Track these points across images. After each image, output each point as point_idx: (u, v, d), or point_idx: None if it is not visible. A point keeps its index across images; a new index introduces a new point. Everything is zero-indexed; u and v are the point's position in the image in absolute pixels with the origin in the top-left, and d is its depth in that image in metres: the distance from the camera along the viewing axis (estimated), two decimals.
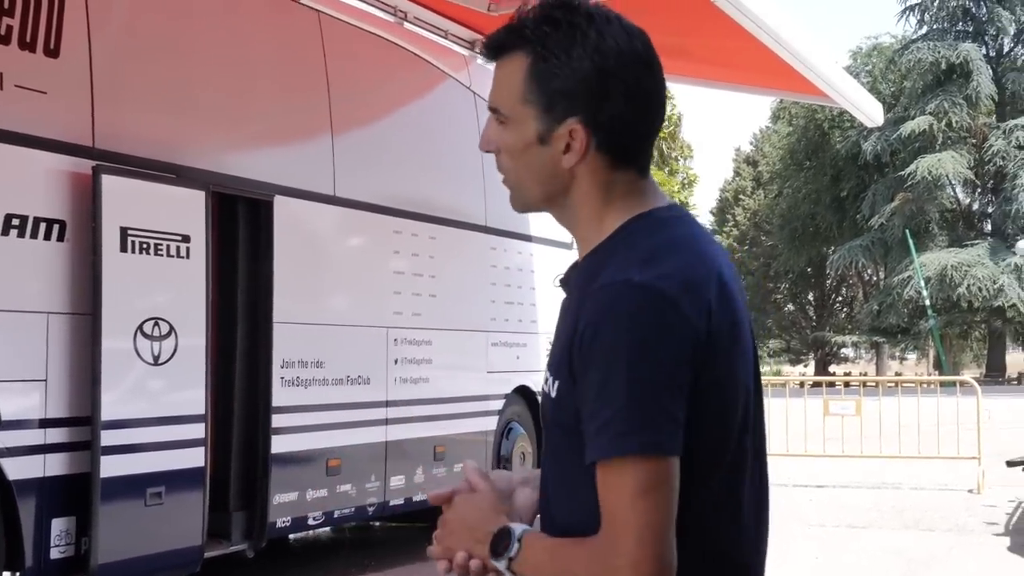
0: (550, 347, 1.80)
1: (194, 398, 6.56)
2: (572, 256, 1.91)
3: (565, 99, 1.59)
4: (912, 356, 46.42)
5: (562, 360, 1.62)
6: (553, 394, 1.66)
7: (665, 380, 1.45)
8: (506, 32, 1.67)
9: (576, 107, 1.59)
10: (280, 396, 7.18)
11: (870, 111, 10.43)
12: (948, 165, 36.38)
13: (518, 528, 1.69)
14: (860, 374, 41.68)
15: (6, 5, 5.50)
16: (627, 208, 1.64)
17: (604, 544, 1.59)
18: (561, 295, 1.85)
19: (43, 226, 5.70)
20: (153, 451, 6.25)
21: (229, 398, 7.18)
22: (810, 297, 49.16)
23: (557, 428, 1.69)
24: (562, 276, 1.84)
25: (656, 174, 23.09)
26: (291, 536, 8.38)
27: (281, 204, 7.20)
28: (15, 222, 5.64)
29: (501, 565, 1.68)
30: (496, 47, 1.70)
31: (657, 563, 1.51)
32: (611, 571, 1.57)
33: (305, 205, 7.60)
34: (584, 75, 1.59)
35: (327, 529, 8.75)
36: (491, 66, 1.72)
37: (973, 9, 39.18)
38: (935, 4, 39.58)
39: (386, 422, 8.39)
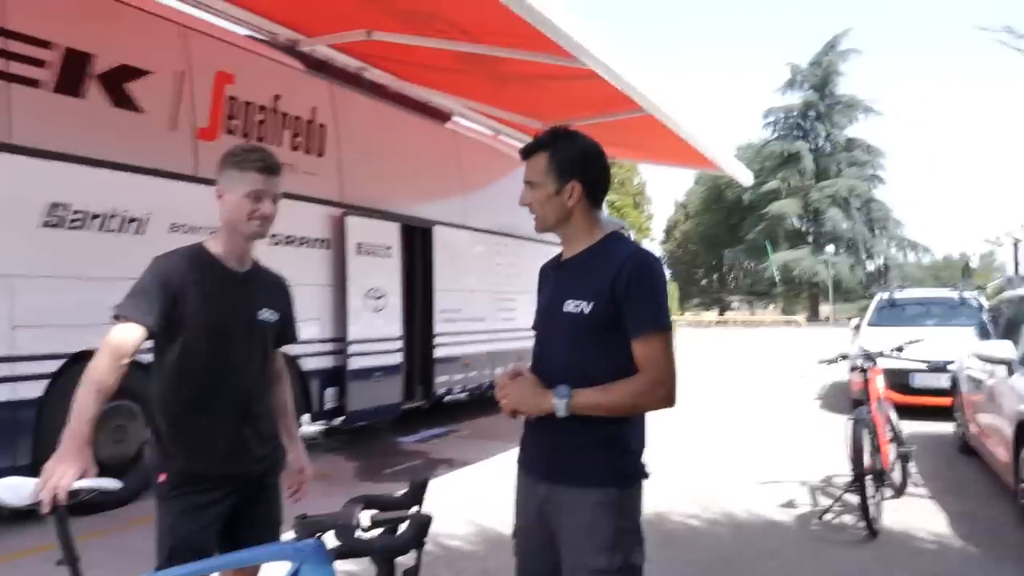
0: (556, 295, 2.15)
1: (395, 329, 8.59)
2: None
3: (568, 171, 2.10)
4: (768, 308, 65.43)
5: (599, 289, 2.03)
6: (587, 311, 2.05)
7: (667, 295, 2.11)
8: (534, 144, 2.17)
9: (575, 174, 2.11)
10: (438, 327, 9.33)
11: (743, 177, 12.73)
12: (788, 207, 55.33)
13: (563, 392, 2.02)
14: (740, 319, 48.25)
15: (298, 133, 7.46)
16: (602, 229, 2.20)
17: (648, 379, 2.04)
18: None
19: (320, 242, 7.65)
20: (374, 355, 8.20)
21: (412, 328, 9.15)
22: (714, 277, 71.38)
23: (586, 330, 2.06)
24: (553, 263, 2.28)
25: (631, 213, 25.32)
26: (445, 398, 9.92)
27: (437, 230, 9.29)
28: (311, 241, 7.55)
29: (561, 404, 2.01)
30: (528, 151, 2.18)
31: (674, 390, 2.04)
32: (655, 394, 2.03)
33: (450, 230, 9.48)
34: (578, 159, 2.13)
35: (463, 394, 10.24)
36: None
37: (803, 123, 58.19)
38: (782, 120, 58.75)
39: (490, 341, 10.29)
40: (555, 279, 2.23)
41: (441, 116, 9.99)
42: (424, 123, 9.55)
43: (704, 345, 18.71)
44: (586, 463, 2.07)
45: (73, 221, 5.41)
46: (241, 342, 2.45)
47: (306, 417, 7.75)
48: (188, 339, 2.37)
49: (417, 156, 9.22)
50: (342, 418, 8.02)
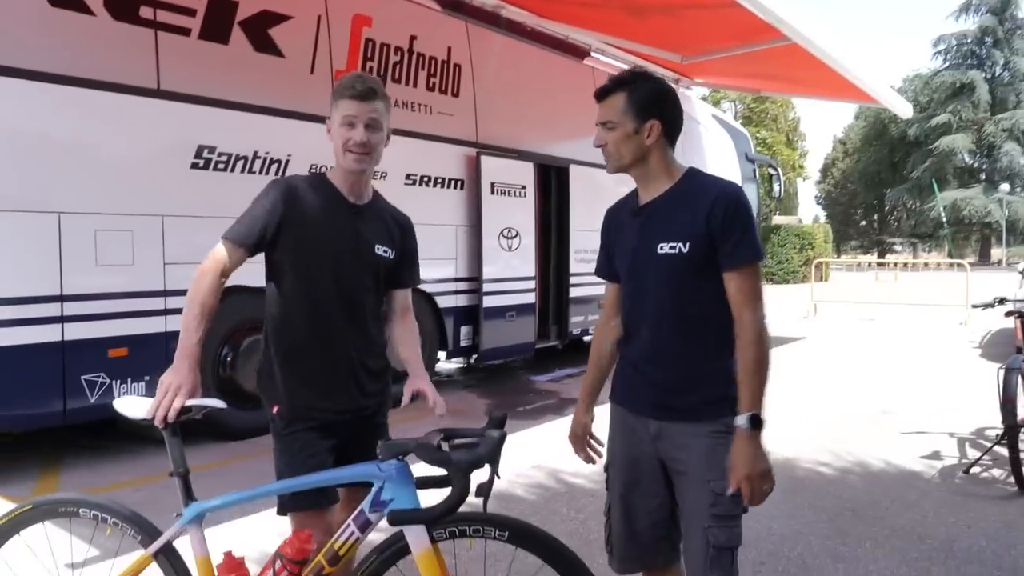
0: (652, 234, 2.12)
1: (529, 268, 8.64)
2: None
3: (647, 110, 2.11)
4: (933, 251, 62.61)
5: (693, 229, 2.04)
6: (686, 250, 2.05)
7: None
8: (610, 85, 2.17)
9: (654, 114, 2.12)
10: (574, 267, 9.25)
11: (903, 108, 11.80)
12: (959, 141, 50.53)
13: (744, 420, 1.99)
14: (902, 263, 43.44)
15: (434, 73, 7.51)
16: (679, 167, 2.19)
17: (748, 316, 2.05)
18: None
19: (456, 183, 7.72)
20: (508, 294, 8.31)
21: (547, 268, 9.24)
22: (874, 218, 67.25)
23: (684, 270, 2.07)
24: (628, 208, 2.27)
25: (783, 151, 23.74)
26: (584, 338, 9.64)
27: (574, 169, 9.13)
28: (447, 181, 7.62)
29: (749, 425, 1.99)
30: (603, 92, 2.18)
31: (766, 320, 2.08)
32: (760, 326, 2.05)
33: (587, 169, 9.14)
34: (657, 98, 2.14)
35: None
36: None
37: (978, 51, 53.08)
38: (954, 48, 53.67)
39: None
40: (638, 224, 2.20)
41: (579, 52, 9.77)
42: (561, 60, 9.38)
43: (859, 289, 17.80)
44: (696, 398, 2.10)
45: (218, 163, 5.71)
46: (353, 274, 2.40)
47: (442, 354, 7.96)
48: (298, 267, 2.36)
49: (554, 94, 9.08)
50: (476, 356, 8.18)
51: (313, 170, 6.12)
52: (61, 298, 4.93)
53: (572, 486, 4.82)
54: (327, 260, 2.36)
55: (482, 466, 1.84)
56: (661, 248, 2.10)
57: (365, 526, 1.98)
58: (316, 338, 2.37)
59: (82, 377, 5.02)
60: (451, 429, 1.96)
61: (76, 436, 5.75)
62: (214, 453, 5.54)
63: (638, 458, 2.21)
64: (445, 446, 1.91)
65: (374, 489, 1.97)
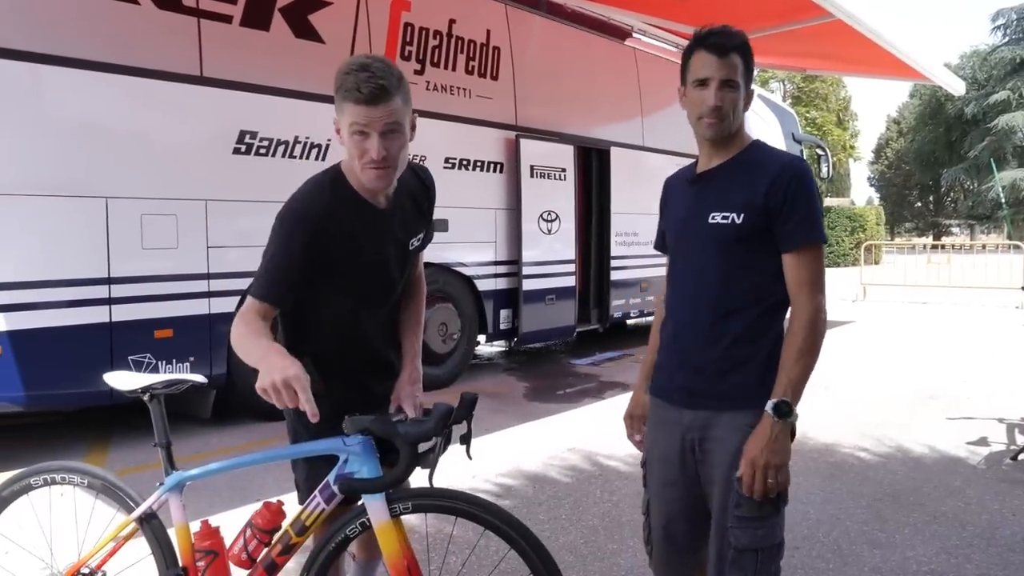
0: (700, 203, 2.02)
1: (569, 252, 8.61)
2: None
3: (751, 77, 2.03)
4: (991, 233, 57.49)
5: (750, 200, 1.94)
6: (739, 221, 1.95)
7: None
8: (737, 40, 1.98)
9: (751, 80, 2.05)
10: (615, 250, 9.24)
11: (956, 85, 11.54)
12: (1019, 119, 46.68)
13: (769, 405, 1.90)
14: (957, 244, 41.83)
15: (473, 56, 7.49)
16: (746, 135, 2.09)
17: (804, 300, 1.97)
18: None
19: (495, 166, 7.73)
20: (548, 277, 8.29)
21: (588, 251, 9.22)
22: (930, 199, 64.55)
23: (736, 241, 1.97)
24: (683, 177, 2.17)
25: (834, 131, 23.35)
26: (628, 321, 10.04)
27: (615, 151, 9.08)
28: (486, 165, 7.64)
29: (779, 417, 1.89)
30: (729, 47, 1.96)
31: (825, 309, 2.01)
32: (817, 313, 1.97)
33: (628, 151, 9.19)
34: (752, 66, 2.03)
35: (641, 318, 10.05)
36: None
37: None
38: (1014, 22, 48.80)
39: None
40: (693, 192, 2.09)
41: (620, 34, 9.68)
42: (602, 42, 9.31)
43: (911, 271, 17.40)
44: (732, 382, 1.99)
45: (260, 148, 5.80)
46: (386, 277, 2.20)
47: (481, 338, 7.99)
48: (327, 282, 2.09)
49: (594, 76, 9.04)
50: (516, 339, 8.19)
51: None
52: (109, 280, 5.07)
53: (606, 469, 4.82)
54: (359, 273, 2.13)
55: (429, 439, 1.88)
56: (713, 218, 1.99)
57: (331, 498, 2.02)
58: (337, 345, 2.20)
59: (129, 357, 5.16)
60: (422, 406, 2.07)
61: (125, 415, 5.90)
62: (253, 433, 5.66)
63: (675, 453, 2.10)
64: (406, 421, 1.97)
65: (339, 462, 2.01)
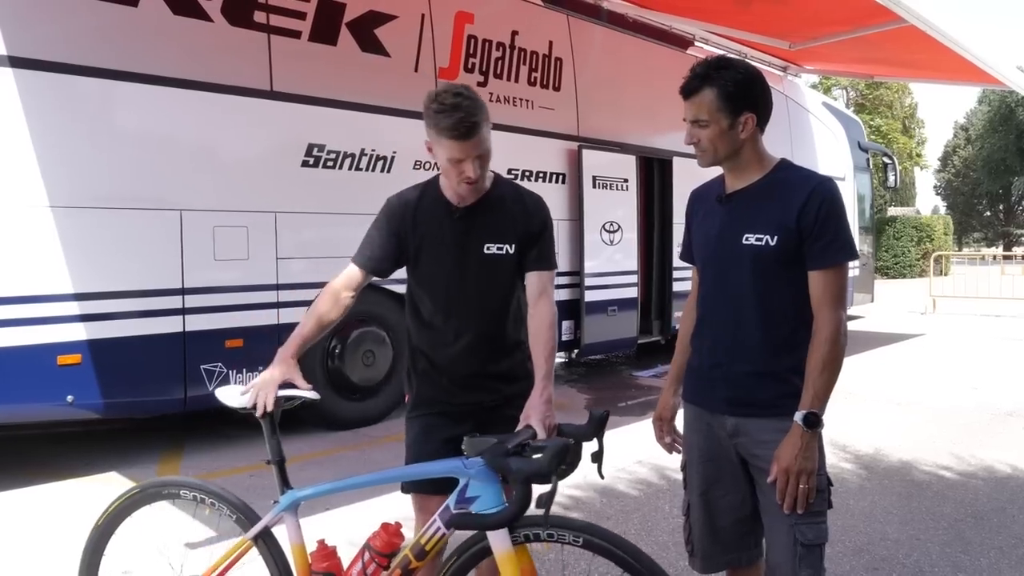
0: (736, 226, 2.07)
1: (631, 263, 8.58)
2: None
3: (741, 103, 2.04)
4: None
5: (783, 222, 2.00)
6: (773, 243, 2.00)
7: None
8: (696, 81, 2.07)
9: (747, 106, 2.06)
10: (677, 261, 8.65)
11: None
12: None
13: (799, 417, 1.97)
14: None
15: (535, 68, 7.51)
16: (771, 157, 2.14)
17: (827, 315, 2.01)
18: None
19: (558, 176, 7.74)
20: (610, 288, 8.23)
21: (650, 262, 9.16)
22: (999, 208, 62.14)
23: (772, 262, 2.02)
24: (713, 194, 2.22)
25: (899, 139, 22.73)
26: None
27: (678, 162, 8.97)
28: (548, 175, 7.63)
29: (805, 424, 1.98)
30: (690, 89, 2.09)
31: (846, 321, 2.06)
32: (838, 327, 2.00)
33: (691, 162, 9.14)
34: (749, 89, 2.07)
35: None
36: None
37: None
38: None
39: None
40: (723, 212, 2.16)
41: (682, 43, 9.61)
42: (664, 51, 9.23)
43: (982, 283, 16.84)
44: (775, 391, 2.06)
45: (328, 161, 5.89)
46: (468, 277, 2.39)
47: None
48: (418, 275, 2.45)
49: (657, 86, 8.74)
50: (577, 350, 8.14)
51: (417, 167, 6.28)
52: (183, 291, 5.20)
53: (675, 483, 4.73)
54: (439, 269, 2.41)
55: (543, 478, 1.78)
56: (747, 239, 2.06)
57: (451, 523, 1.97)
58: (436, 341, 2.45)
59: (201, 366, 5.29)
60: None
61: (197, 423, 6.02)
62: (321, 442, 5.72)
63: (717, 455, 2.19)
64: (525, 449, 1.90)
65: (459, 486, 1.97)
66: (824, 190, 2.02)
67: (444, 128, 2.21)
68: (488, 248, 2.38)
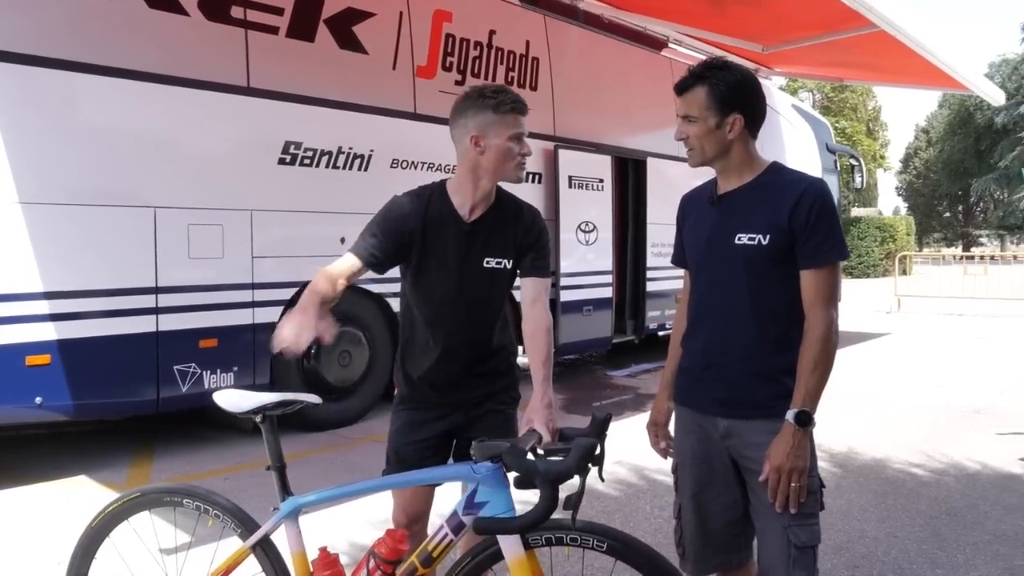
0: (731, 226, 2.08)
1: (606, 263, 8.56)
2: None
3: (730, 103, 2.06)
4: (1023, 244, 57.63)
5: (775, 222, 2.01)
6: (766, 242, 2.02)
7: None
8: (691, 78, 2.10)
9: (736, 107, 2.07)
10: (651, 261, 9.15)
11: (994, 95, 11.31)
12: None
13: (791, 415, 1.99)
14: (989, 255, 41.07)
15: (512, 67, 7.48)
16: (761, 160, 2.15)
17: (819, 314, 2.02)
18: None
19: (533, 176, 7.67)
20: (585, 288, 8.21)
21: (624, 262, 9.15)
22: (959, 209, 63.83)
23: (764, 262, 2.03)
24: (704, 196, 2.23)
25: (864, 140, 23.13)
26: (660, 333, 9.59)
27: (651, 162, 9.00)
28: (525, 175, 7.82)
29: (797, 423, 1.99)
30: (684, 86, 2.12)
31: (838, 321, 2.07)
32: (830, 326, 2.02)
33: (663, 162, 9.05)
34: (739, 90, 2.08)
35: None
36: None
37: None
38: None
39: None
40: (715, 213, 2.17)
41: (656, 44, 9.64)
42: (638, 52, 9.26)
43: (945, 282, 17.12)
44: (767, 392, 2.06)
45: (304, 159, 5.81)
46: (465, 287, 2.40)
47: (519, 348, 7.89)
48: (415, 277, 2.43)
49: (631, 87, 9.00)
50: (552, 350, 8.08)
51: (394, 166, 6.22)
52: (156, 290, 5.09)
53: (655, 483, 4.75)
54: (439, 277, 2.40)
55: (570, 478, 1.74)
56: (739, 239, 2.07)
57: (459, 528, 1.92)
58: (425, 343, 2.46)
59: (174, 367, 5.18)
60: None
61: (169, 424, 5.92)
62: (296, 444, 5.62)
63: (709, 456, 2.18)
64: (540, 449, 1.87)
65: (468, 491, 1.92)
66: (815, 190, 2.04)
67: (505, 105, 2.28)
68: (488, 262, 2.41)
